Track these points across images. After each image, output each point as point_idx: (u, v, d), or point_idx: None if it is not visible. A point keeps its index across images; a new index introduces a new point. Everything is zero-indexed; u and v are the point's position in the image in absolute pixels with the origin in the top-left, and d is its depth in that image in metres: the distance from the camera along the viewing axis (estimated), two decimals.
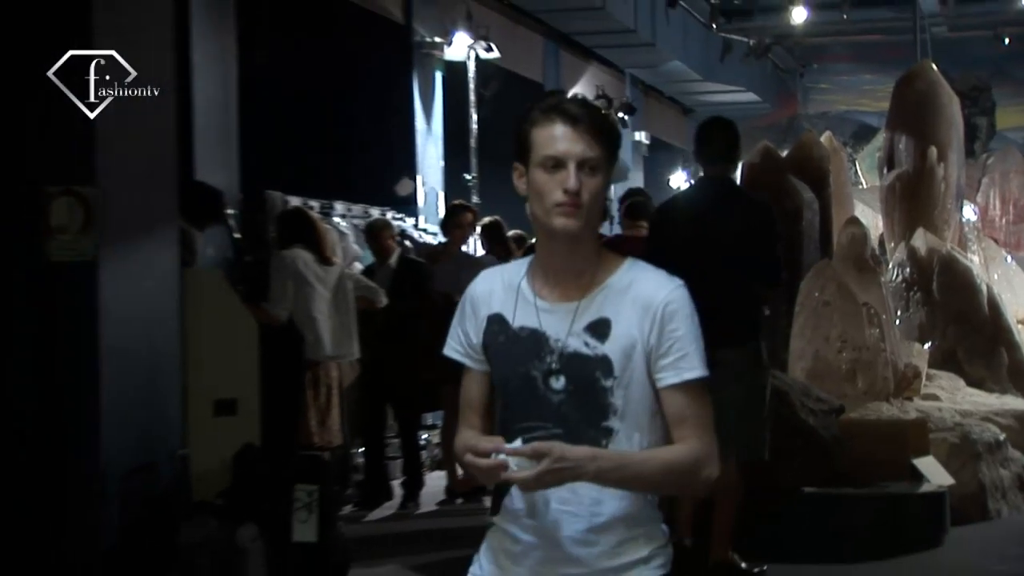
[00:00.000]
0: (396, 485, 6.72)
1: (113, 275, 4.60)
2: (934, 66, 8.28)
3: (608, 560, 1.57)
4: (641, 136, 15.67)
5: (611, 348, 1.54)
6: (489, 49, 10.07)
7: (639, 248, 4.82)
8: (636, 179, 15.27)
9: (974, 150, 11.43)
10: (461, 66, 10.29)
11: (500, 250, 7.32)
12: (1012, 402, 6.64)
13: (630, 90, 15.45)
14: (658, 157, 17.01)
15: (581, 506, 1.56)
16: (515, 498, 1.56)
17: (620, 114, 14.03)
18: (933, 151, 7.31)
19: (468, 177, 10.21)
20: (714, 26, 15.14)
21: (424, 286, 6.73)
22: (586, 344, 1.56)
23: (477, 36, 9.98)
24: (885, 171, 7.72)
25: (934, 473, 5.58)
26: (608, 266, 1.60)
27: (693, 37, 15.39)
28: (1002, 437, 6.15)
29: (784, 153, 7.46)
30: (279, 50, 8.29)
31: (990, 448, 6.10)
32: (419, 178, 9.90)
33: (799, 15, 13.85)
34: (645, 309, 1.55)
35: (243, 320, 5.70)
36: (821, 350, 6.20)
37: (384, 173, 9.69)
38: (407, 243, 8.01)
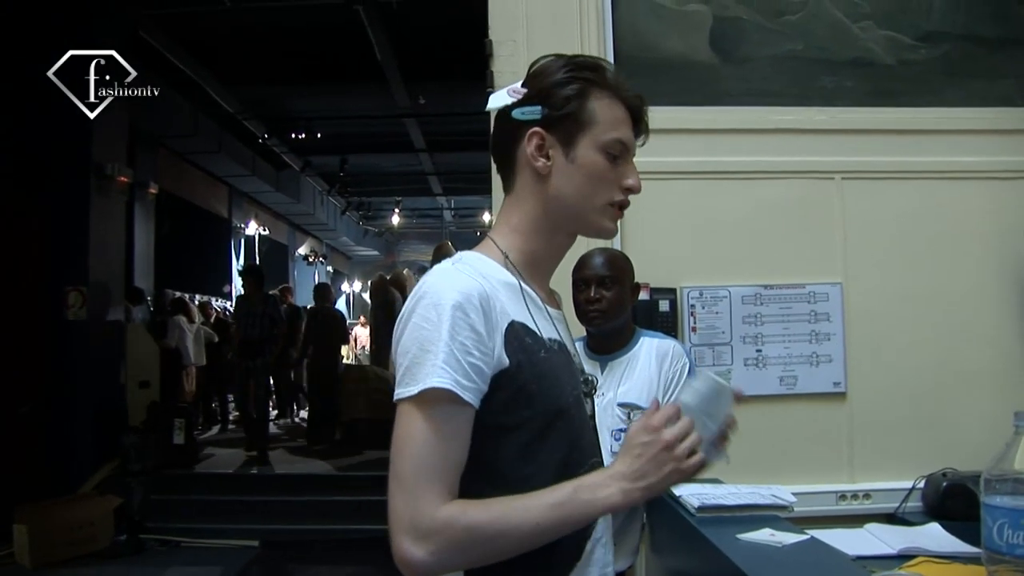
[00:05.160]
0: None
1: (95, 327, 5.93)
2: (449, 243, 7.96)
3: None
4: (330, 269, 19.27)
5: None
6: (265, 230, 14.28)
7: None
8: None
9: None
10: (252, 238, 14.03)
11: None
12: None
13: (326, 248, 19.05)
14: (337, 278, 20.27)
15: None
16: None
17: (321, 260, 17.55)
18: None
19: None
20: (361, 223, 18.73)
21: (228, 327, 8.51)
22: (584, 361, 1.11)
23: (259, 224, 13.94)
24: None
25: None
26: None
27: (351, 225, 18.74)
28: None
29: (388, 277, 8.89)
30: (173, 228, 10.02)
31: None
32: (233, 284, 13.02)
33: (396, 220, 17.73)
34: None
35: (153, 347, 6.96)
36: None
37: (217, 282, 12.81)
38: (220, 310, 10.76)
